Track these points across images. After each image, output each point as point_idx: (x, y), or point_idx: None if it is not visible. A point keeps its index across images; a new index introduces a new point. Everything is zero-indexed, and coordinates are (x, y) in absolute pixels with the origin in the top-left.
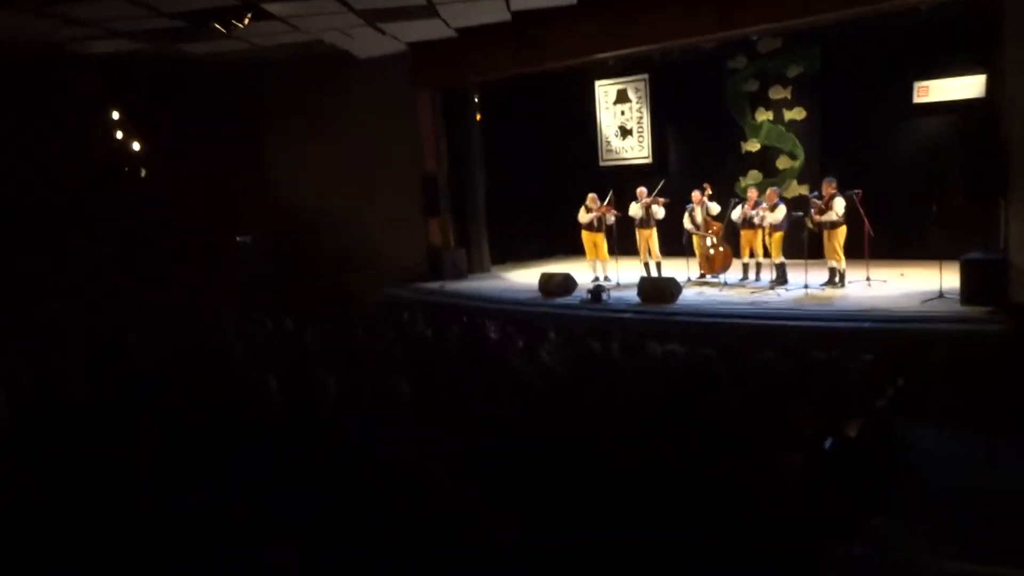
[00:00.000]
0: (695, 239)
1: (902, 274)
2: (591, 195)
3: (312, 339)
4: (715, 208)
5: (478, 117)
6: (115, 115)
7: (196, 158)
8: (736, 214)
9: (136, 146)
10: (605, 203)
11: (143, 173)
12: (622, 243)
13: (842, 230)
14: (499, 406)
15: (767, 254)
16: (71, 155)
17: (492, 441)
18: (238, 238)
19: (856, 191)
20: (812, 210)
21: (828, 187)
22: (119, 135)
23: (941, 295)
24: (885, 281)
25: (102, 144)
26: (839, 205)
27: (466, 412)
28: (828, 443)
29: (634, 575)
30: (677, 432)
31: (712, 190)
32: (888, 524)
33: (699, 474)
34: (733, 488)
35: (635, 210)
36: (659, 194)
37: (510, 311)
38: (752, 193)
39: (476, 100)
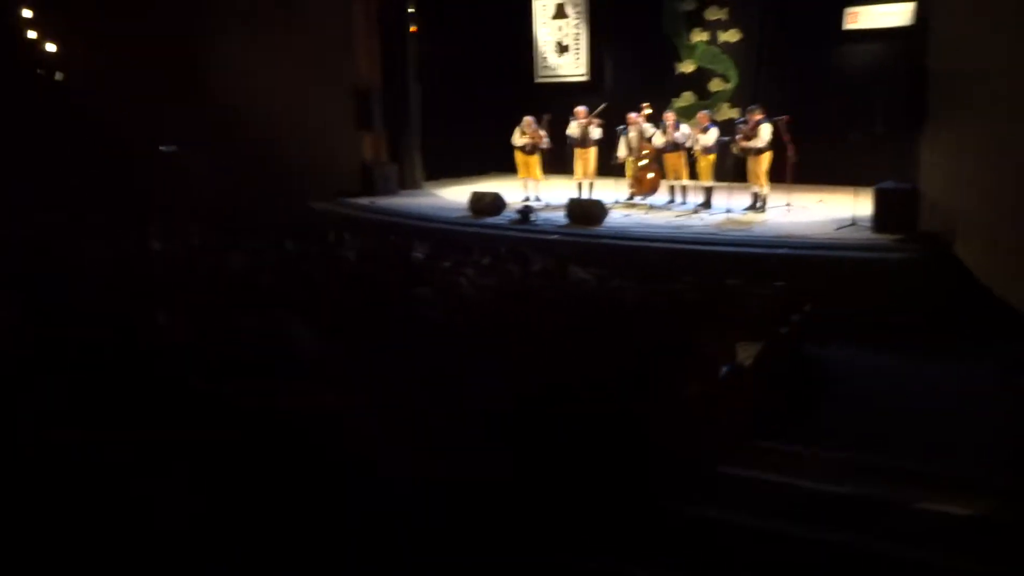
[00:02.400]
0: (628, 160)
1: (820, 200)
2: (526, 119)
3: (233, 264)
4: (650, 130)
5: (413, 28)
6: (26, 13)
7: (120, 63)
8: (659, 140)
9: (51, 47)
10: (539, 128)
11: (58, 77)
12: (554, 163)
13: (767, 156)
14: (411, 351)
15: (692, 176)
16: None
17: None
18: (162, 148)
19: (783, 116)
20: (738, 135)
21: (752, 114)
22: (31, 34)
23: (854, 223)
24: (805, 207)
25: (11, 46)
26: (765, 132)
27: (376, 360)
28: (724, 370)
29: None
30: (586, 366)
31: (651, 109)
32: (782, 448)
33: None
34: (634, 417)
35: (572, 129)
36: (598, 116)
37: (438, 230)
38: (668, 118)
39: (411, 11)
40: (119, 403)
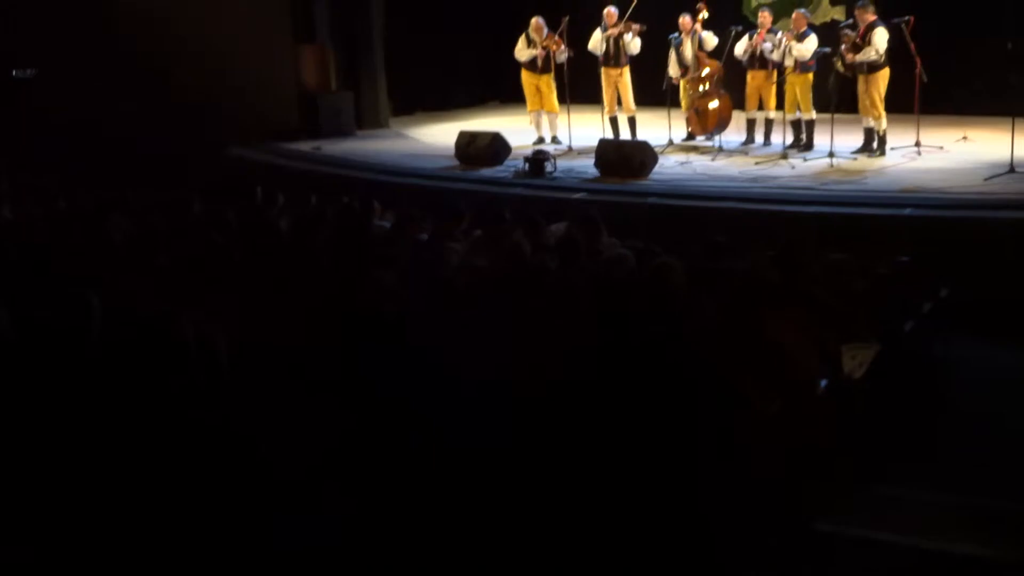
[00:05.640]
0: (682, 85)
1: (965, 137)
2: (535, 20)
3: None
4: (711, 40)
5: None
6: None
7: None
8: (740, 48)
9: None
10: (556, 33)
11: None
12: (578, 88)
13: (883, 74)
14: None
15: (780, 105)
16: None
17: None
18: (15, 73)
19: (906, 18)
20: (843, 46)
21: (863, 14)
22: None
23: (1012, 170)
24: (941, 147)
25: None
26: (880, 39)
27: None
28: (822, 385)
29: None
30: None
31: (708, 12)
32: (905, 494)
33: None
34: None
35: (597, 41)
36: (632, 18)
37: (412, 186)
38: (764, 17)
39: None
40: None
